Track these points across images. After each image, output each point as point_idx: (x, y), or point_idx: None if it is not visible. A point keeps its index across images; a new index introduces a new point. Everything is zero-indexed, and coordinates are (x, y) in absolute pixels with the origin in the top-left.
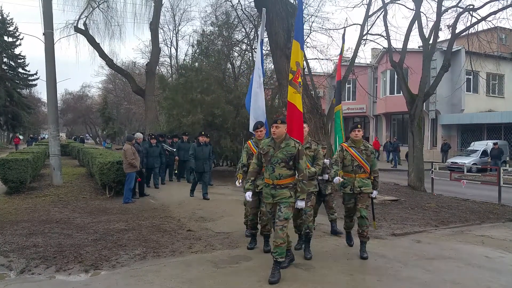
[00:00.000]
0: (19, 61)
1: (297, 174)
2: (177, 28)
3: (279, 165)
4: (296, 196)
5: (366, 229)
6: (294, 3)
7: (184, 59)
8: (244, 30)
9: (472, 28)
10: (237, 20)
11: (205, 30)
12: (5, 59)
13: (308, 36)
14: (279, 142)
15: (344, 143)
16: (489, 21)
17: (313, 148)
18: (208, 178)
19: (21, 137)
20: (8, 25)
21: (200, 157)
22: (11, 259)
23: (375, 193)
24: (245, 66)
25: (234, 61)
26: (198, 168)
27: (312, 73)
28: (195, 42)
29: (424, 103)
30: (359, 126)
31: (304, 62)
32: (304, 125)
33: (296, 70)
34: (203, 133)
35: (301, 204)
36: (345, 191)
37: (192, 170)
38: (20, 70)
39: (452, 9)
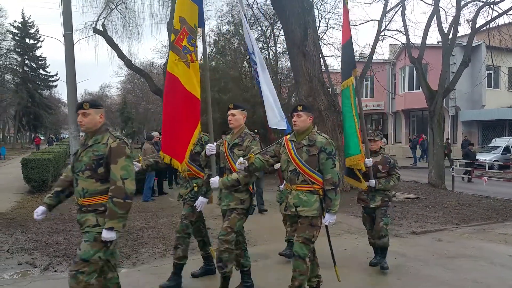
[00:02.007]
0: (40, 62)
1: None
2: None
3: (83, 175)
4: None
5: (300, 278)
6: (311, 0)
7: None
8: (260, 28)
9: (493, 22)
10: (253, 18)
11: (221, 29)
12: (26, 61)
13: (324, 33)
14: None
15: (287, 135)
16: (511, 14)
17: (245, 145)
18: None
19: (42, 137)
20: (29, 28)
21: None
22: (34, 257)
23: (327, 218)
24: None
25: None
26: None
27: (329, 70)
28: (212, 41)
29: (444, 99)
30: (299, 107)
31: (321, 59)
32: (235, 111)
33: (180, 29)
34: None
35: (107, 235)
36: (281, 211)
37: None
38: (41, 71)
39: (472, 3)
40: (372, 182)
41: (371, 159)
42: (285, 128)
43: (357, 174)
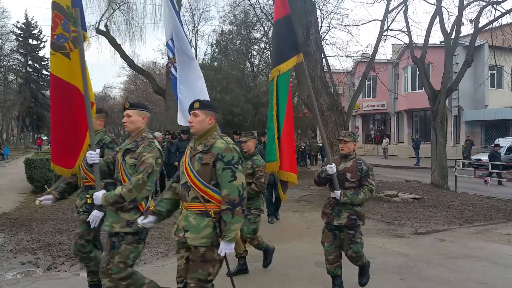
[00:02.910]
0: (43, 63)
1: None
2: (196, 28)
3: None
4: None
5: None
6: (313, 0)
7: (203, 59)
8: (262, 28)
9: (496, 22)
10: (255, 18)
11: (223, 29)
12: (29, 62)
13: (327, 33)
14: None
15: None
16: None
17: (138, 151)
18: None
19: (44, 138)
20: (32, 29)
21: None
22: (38, 257)
23: (222, 247)
24: (263, 64)
25: (252, 59)
26: None
27: (332, 70)
28: (214, 41)
29: (447, 99)
30: (196, 104)
31: (323, 60)
32: (130, 111)
33: (52, 16)
34: (238, 131)
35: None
36: (171, 235)
37: None
38: (44, 72)
39: (475, 2)
40: (337, 193)
41: (333, 164)
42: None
43: (287, 182)
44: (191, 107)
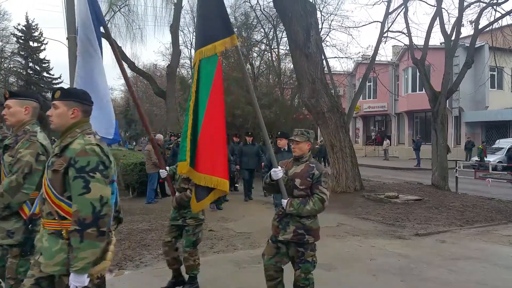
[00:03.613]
0: (43, 65)
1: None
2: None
3: None
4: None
5: None
6: (313, 2)
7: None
8: (263, 30)
9: (496, 23)
10: (256, 20)
11: None
12: (30, 64)
13: (327, 35)
14: None
15: None
16: None
17: (16, 148)
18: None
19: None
20: (33, 31)
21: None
22: None
23: (71, 279)
24: (264, 66)
25: (253, 61)
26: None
27: (332, 72)
28: None
29: (447, 101)
30: (56, 93)
31: (324, 61)
32: (11, 101)
33: None
34: (250, 133)
35: None
36: None
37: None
38: (45, 74)
39: (475, 4)
40: (284, 202)
41: (279, 168)
42: (111, 137)
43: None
44: (52, 97)
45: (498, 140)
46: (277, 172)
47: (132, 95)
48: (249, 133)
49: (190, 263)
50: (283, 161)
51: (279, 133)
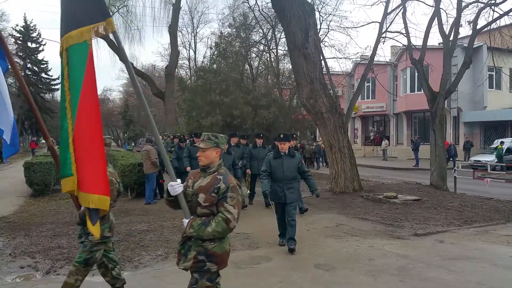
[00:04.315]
0: (42, 66)
1: None
2: (195, 31)
3: None
4: None
5: None
6: (312, 2)
7: (202, 61)
8: (261, 31)
9: (494, 23)
10: (254, 21)
11: (223, 32)
12: (28, 65)
13: (326, 35)
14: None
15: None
16: None
17: None
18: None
19: (42, 141)
20: (31, 32)
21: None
22: (37, 260)
23: None
24: (263, 67)
25: (252, 62)
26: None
27: (331, 72)
28: (213, 44)
29: (446, 101)
30: None
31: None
32: None
33: None
34: (261, 135)
35: None
36: None
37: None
38: (43, 75)
39: (473, 4)
40: (184, 222)
41: (177, 181)
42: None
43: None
44: None
45: (496, 140)
46: (175, 187)
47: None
48: (260, 135)
49: (69, 281)
50: (192, 171)
51: (281, 136)
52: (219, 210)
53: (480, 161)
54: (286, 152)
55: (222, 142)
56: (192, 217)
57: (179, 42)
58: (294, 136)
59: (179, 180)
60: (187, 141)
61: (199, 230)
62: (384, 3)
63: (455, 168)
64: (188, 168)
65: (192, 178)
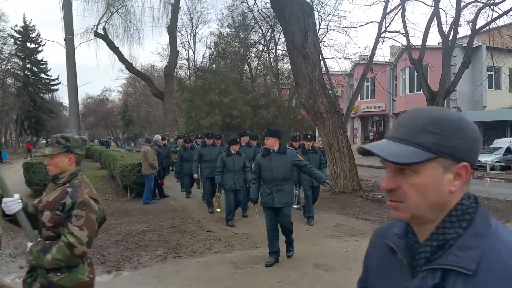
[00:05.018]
0: (41, 66)
1: None
2: (194, 31)
3: None
4: None
5: None
6: (311, 2)
7: (201, 61)
8: (260, 31)
9: (493, 23)
10: (253, 21)
11: (222, 32)
12: (28, 65)
13: (325, 35)
14: None
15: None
16: (511, 15)
17: None
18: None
19: (42, 140)
20: (30, 32)
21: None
22: None
23: None
24: (262, 67)
25: (251, 62)
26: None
27: (330, 72)
28: (212, 44)
29: (445, 101)
30: None
31: (321, 62)
32: None
33: None
34: (266, 135)
35: None
36: None
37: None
38: (43, 75)
39: (472, 4)
40: (28, 246)
41: (15, 196)
42: None
43: None
44: None
45: (496, 140)
46: (8, 204)
47: None
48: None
49: None
50: (49, 185)
51: (266, 130)
52: (63, 233)
53: (479, 161)
54: (276, 149)
55: (77, 146)
56: (39, 239)
57: (178, 42)
58: (309, 136)
59: (16, 195)
60: (194, 142)
61: (38, 257)
62: (383, 3)
63: None
64: (196, 176)
65: (47, 190)
